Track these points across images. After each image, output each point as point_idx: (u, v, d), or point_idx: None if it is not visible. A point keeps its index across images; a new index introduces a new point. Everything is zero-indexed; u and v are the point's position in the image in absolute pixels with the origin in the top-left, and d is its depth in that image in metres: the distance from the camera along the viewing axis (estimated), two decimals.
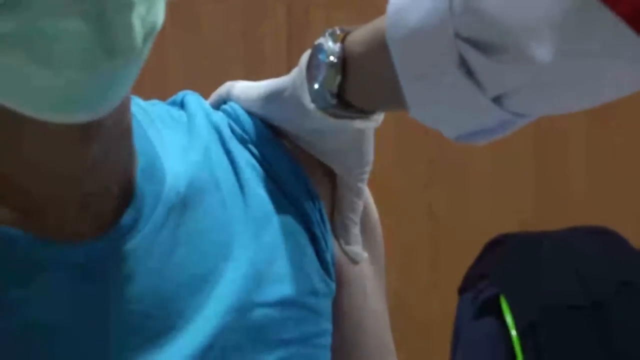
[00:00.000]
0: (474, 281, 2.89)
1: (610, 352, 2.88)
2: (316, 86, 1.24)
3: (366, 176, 1.36)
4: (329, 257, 1.29)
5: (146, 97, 1.20)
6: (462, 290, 2.92)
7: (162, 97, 1.34)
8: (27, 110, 1.05)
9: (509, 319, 2.79)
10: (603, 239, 3.02)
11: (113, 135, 1.14)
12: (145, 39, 1.02)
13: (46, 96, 1.04)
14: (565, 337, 2.83)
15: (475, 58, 1.08)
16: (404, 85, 1.14)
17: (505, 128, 1.16)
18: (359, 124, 1.29)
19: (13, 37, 1.00)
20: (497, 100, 1.09)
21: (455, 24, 1.08)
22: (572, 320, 2.83)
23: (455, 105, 1.15)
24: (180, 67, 3.24)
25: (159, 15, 1.06)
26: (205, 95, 1.34)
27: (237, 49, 3.59)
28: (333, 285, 1.29)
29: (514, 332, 2.79)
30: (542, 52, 1.05)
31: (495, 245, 2.96)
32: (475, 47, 1.08)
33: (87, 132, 1.08)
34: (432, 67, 1.13)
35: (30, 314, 1.10)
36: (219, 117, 1.32)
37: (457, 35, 1.08)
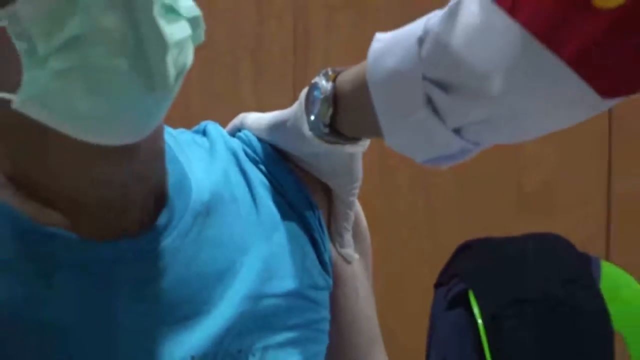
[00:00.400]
0: (447, 278, 2.92)
1: (555, 337, 2.89)
2: (312, 117, 1.28)
3: (356, 191, 1.39)
4: (326, 258, 1.33)
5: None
6: (436, 286, 2.94)
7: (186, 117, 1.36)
8: (77, 132, 1.06)
9: (476, 310, 2.80)
10: (553, 243, 3.04)
11: (148, 155, 1.18)
12: (177, 77, 1.06)
13: (94, 122, 1.06)
14: (521, 325, 2.84)
15: (438, 96, 1.11)
16: (380, 119, 1.18)
17: (464, 154, 1.18)
18: (348, 148, 1.32)
19: (73, 71, 1.02)
20: (457, 131, 1.13)
21: (422, 69, 1.11)
22: (527, 311, 2.85)
23: (422, 136, 1.17)
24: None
25: (189, 56, 1.10)
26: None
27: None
28: (330, 281, 1.33)
29: (480, 321, 2.80)
30: (494, 90, 1.06)
31: (464, 249, 2.98)
32: (439, 87, 1.10)
33: (126, 151, 1.11)
34: (404, 104, 1.15)
35: (85, 297, 1.12)
36: (235, 142, 1.36)
37: (424, 77, 1.10)
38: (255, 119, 1.39)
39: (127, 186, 1.16)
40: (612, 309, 2.96)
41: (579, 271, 2.96)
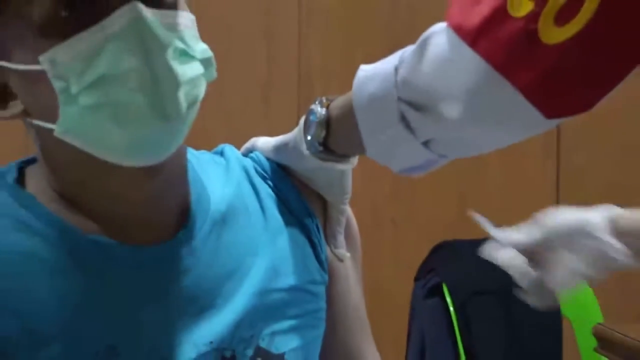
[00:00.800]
0: (424, 273, 2.92)
1: (512, 320, 2.91)
2: (308, 138, 1.29)
3: (347, 201, 1.39)
4: (323, 257, 1.34)
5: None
6: (416, 279, 2.94)
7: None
8: (107, 156, 1.10)
9: (448, 299, 2.82)
10: None
11: (173, 173, 1.18)
12: (189, 108, 1.09)
13: (119, 146, 1.10)
14: (484, 311, 2.86)
15: (410, 114, 1.12)
16: (362, 133, 1.20)
17: (432, 165, 1.20)
18: (339, 166, 1.33)
19: (99, 106, 1.06)
20: (426, 144, 1.14)
21: (398, 92, 1.12)
22: (489, 300, 2.87)
23: (397, 148, 1.18)
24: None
25: (200, 90, 1.13)
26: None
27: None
28: (326, 276, 1.34)
29: (451, 308, 2.82)
30: (456, 111, 1.07)
31: (439, 249, 2.98)
32: (411, 106, 1.12)
33: (151, 171, 1.12)
34: (382, 121, 1.16)
35: (121, 291, 1.14)
36: (247, 161, 1.36)
37: (399, 99, 1.12)
38: (264, 142, 1.39)
39: (153, 199, 1.18)
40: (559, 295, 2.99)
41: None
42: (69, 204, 1.18)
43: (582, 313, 3.02)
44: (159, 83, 1.05)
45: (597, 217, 1.33)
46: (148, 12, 1.04)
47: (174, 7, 1.11)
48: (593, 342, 2.46)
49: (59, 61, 1.06)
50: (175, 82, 1.06)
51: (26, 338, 1.09)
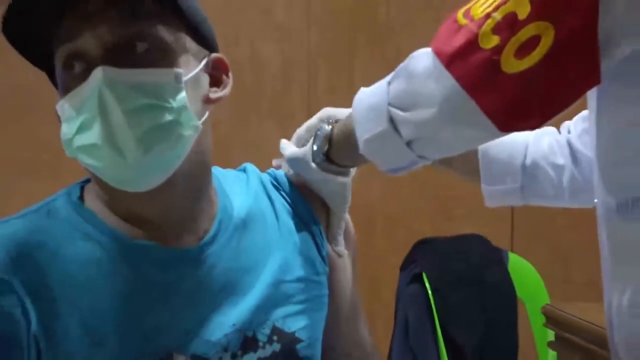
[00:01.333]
0: (408, 264, 2.89)
1: (479, 302, 2.89)
2: (315, 148, 1.29)
3: (346, 209, 1.39)
4: (324, 253, 1.35)
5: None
6: (401, 269, 2.91)
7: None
8: (109, 183, 1.14)
9: (427, 285, 2.80)
10: (478, 240, 3.03)
11: (186, 191, 1.19)
12: (144, 151, 1.09)
13: (106, 177, 1.13)
14: (456, 296, 2.83)
15: (397, 114, 1.13)
16: (358, 135, 1.19)
17: (413, 166, 1.19)
18: (340, 178, 1.34)
19: (83, 146, 1.10)
20: (408, 144, 1.13)
21: (389, 99, 1.13)
22: (460, 285, 2.85)
23: (386, 147, 1.17)
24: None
25: (174, 132, 1.12)
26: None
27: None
28: (327, 269, 1.35)
29: (430, 293, 2.81)
30: (430, 115, 1.08)
31: (420, 244, 2.94)
32: (398, 109, 1.11)
33: (159, 192, 1.14)
34: (374, 122, 1.15)
35: (161, 284, 1.16)
36: (264, 176, 1.38)
37: (389, 104, 1.13)
38: (286, 144, 1.39)
39: (165, 213, 1.19)
40: (516, 282, 2.99)
41: (494, 258, 2.97)
42: (116, 214, 1.19)
43: (533, 296, 3.02)
44: (115, 131, 1.07)
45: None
46: (111, 76, 1.07)
47: (154, 62, 1.11)
48: (542, 319, 2.45)
49: (64, 108, 1.12)
50: (127, 131, 1.07)
51: (82, 326, 1.10)
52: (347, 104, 1.28)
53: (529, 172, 1.47)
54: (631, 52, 1.03)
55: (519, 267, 3.03)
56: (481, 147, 1.46)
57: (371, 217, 3.55)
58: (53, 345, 1.08)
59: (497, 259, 3.00)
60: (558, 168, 1.46)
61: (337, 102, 1.37)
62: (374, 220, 3.56)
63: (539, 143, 1.48)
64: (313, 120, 1.38)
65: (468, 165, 1.50)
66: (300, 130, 1.39)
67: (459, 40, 1.04)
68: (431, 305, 2.82)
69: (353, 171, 1.37)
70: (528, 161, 1.47)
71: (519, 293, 3.00)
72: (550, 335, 2.30)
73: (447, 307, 2.83)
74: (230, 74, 1.25)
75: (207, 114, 1.19)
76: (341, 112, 1.35)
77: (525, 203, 1.50)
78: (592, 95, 1.17)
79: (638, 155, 1.08)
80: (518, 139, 1.48)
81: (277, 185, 1.37)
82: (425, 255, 2.92)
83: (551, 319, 2.25)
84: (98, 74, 1.06)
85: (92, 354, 1.09)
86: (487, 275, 2.95)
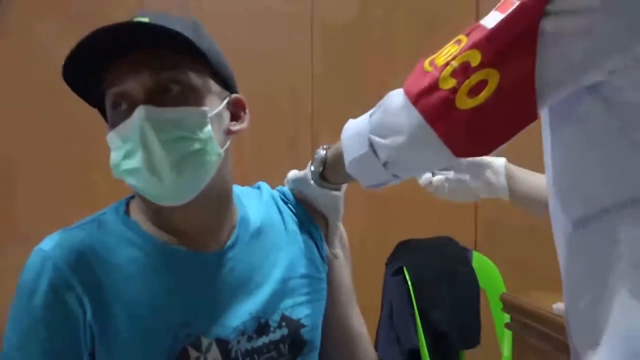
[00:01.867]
0: (392, 260, 2.87)
1: (449, 290, 2.90)
2: (312, 168, 1.30)
3: (340, 218, 1.39)
4: (324, 254, 1.34)
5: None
6: (386, 264, 2.89)
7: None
8: (149, 198, 1.15)
9: (408, 278, 2.79)
10: (448, 242, 3.03)
11: (211, 205, 1.20)
12: (183, 172, 1.10)
13: (145, 194, 1.14)
14: (430, 286, 2.83)
15: (376, 140, 1.13)
16: (345, 158, 1.20)
17: (388, 183, 1.19)
18: (334, 193, 1.34)
19: (128, 170, 1.11)
20: (385, 165, 1.13)
21: (370, 128, 1.14)
22: (436, 278, 2.85)
23: (366, 168, 1.17)
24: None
25: (202, 158, 1.13)
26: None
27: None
28: (326, 267, 1.34)
29: (410, 284, 2.80)
30: (400, 141, 1.09)
31: (402, 244, 2.93)
32: (377, 136, 1.12)
33: (181, 208, 1.14)
34: (357, 146, 1.16)
35: (190, 280, 1.17)
36: (275, 192, 1.38)
37: (370, 132, 1.14)
38: (293, 172, 1.39)
39: (203, 218, 1.19)
40: (479, 275, 2.99)
41: (462, 256, 2.96)
42: (155, 224, 1.19)
43: (492, 286, 3.01)
44: (153, 158, 1.08)
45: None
46: (151, 113, 1.08)
47: (186, 102, 1.12)
48: (500, 305, 2.46)
49: (111, 141, 1.14)
50: (166, 159, 1.08)
51: (127, 316, 1.11)
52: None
53: None
54: (565, 95, 1.04)
55: (482, 263, 3.03)
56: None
57: (358, 226, 3.45)
58: (103, 330, 1.09)
59: (464, 256, 3.01)
60: None
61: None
62: (363, 228, 3.45)
63: None
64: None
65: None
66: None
67: (424, 82, 1.04)
68: (411, 294, 2.81)
69: (344, 187, 1.36)
70: None
71: (481, 284, 3.01)
72: (507, 318, 2.30)
73: (423, 295, 2.83)
74: (247, 111, 1.25)
75: (228, 143, 1.19)
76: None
77: None
78: (544, 131, 1.17)
79: (586, 177, 1.08)
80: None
81: (285, 200, 1.36)
82: (406, 253, 2.92)
83: (507, 305, 2.26)
84: (140, 111, 1.08)
85: (135, 338, 1.10)
86: (456, 270, 2.95)
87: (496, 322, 3.02)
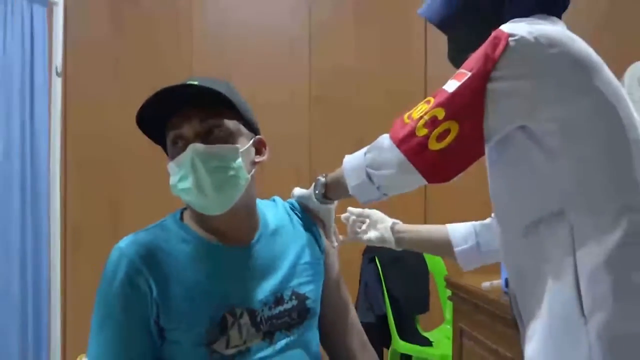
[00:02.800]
0: (367, 252, 2.86)
1: (407, 273, 2.89)
2: (316, 192, 1.28)
3: (333, 221, 1.37)
4: (322, 247, 1.30)
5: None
6: (363, 255, 2.88)
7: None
8: (197, 209, 1.14)
9: (378, 264, 2.79)
10: None
11: (242, 212, 1.17)
12: (222, 192, 1.10)
13: (194, 206, 1.13)
14: (392, 270, 2.83)
15: (371, 172, 1.12)
16: (349, 184, 1.18)
17: (380, 199, 1.17)
18: (328, 206, 1.32)
19: (183, 189, 1.11)
20: (378, 188, 1.13)
21: (365, 163, 1.13)
22: (397, 264, 2.85)
23: (365, 190, 1.15)
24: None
25: (236, 182, 1.11)
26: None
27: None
28: (323, 256, 1.30)
29: (380, 269, 2.79)
30: (389, 173, 1.09)
31: None
32: (372, 168, 1.12)
33: (221, 216, 1.12)
34: (356, 176, 1.15)
35: (223, 269, 1.14)
36: (286, 204, 1.34)
37: (366, 165, 1.13)
38: (299, 190, 1.36)
39: (230, 225, 1.16)
40: (428, 262, 2.98)
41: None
42: (199, 225, 1.17)
43: (438, 270, 3.01)
44: (201, 181, 1.08)
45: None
46: (199, 149, 1.08)
47: (224, 140, 1.11)
48: (444, 283, 2.43)
49: (171, 168, 1.13)
50: (209, 182, 1.08)
51: (182, 293, 1.09)
52: None
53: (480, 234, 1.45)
54: (501, 138, 1.07)
55: (429, 255, 3.01)
56: (449, 229, 1.47)
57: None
58: (165, 303, 1.08)
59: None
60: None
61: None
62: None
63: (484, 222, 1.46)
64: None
65: (436, 247, 1.50)
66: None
67: (405, 131, 1.06)
68: (380, 276, 2.80)
69: (336, 202, 1.34)
70: (479, 229, 1.45)
71: (430, 269, 3.00)
72: (449, 292, 2.27)
73: (389, 277, 2.83)
74: (267, 147, 1.24)
75: (253, 170, 1.18)
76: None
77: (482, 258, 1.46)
78: (487, 162, 1.18)
79: (521, 198, 1.10)
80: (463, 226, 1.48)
81: (293, 209, 1.33)
82: (376, 248, 2.87)
83: (449, 283, 2.23)
84: (191, 148, 1.08)
85: (187, 308, 1.08)
86: (411, 258, 2.94)
87: (441, 295, 3.01)
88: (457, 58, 1.20)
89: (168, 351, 1.10)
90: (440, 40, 1.28)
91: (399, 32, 3.52)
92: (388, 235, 1.47)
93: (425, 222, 3.62)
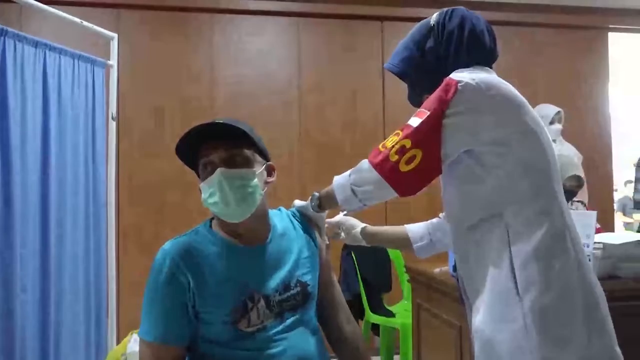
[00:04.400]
0: (345, 247, 2.82)
1: (374, 261, 2.85)
2: (312, 204, 1.22)
3: (325, 224, 1.32)
4: (317, 244, 1.24)
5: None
6: (342, 250, 2.84)
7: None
8: (222, 217, 1.08)
9: (354, 256, 2.75)
10: None
11: (257, 219, 1.12)
12: (243, 203, 1.06)
13: (219, 215, 1.08)
14: (366, 260, 2.79)
15: (355, 188, 1.08)
16: (337, 197, 1.12)
17: (362, 209, 1.12)
18: (322, 214, 1.26)
19: (211, 203, 1.07)
20: (360, 200, 1.08)
21: (350, 182, 1.08)
22: (368, 256, 2.80)
23: (350, 202, 1.10)
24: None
25: (254, 196, 1.07)
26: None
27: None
28: (318, 251, 1.24)
29: (355, 260, 2.75)
30: (369, 189, 1.05)
31: None
32: (355, 185, 1.08)
33: (242, 222, 1.08)
34: (343, 191, 1.10)
35: (243, 263, 1.09)
36: (289, 212, 1.27)
37: (351, 184, 1.08)
38: (299, 202, 1.29)
39: (248, 229, 1.11)
40: (390, 253, 2.94)
41: None
42: (224, 229, 1.12)
43: (397, 258, 2.97)
44: (226, 196, 1.05)
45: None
46: (224, 172, 1.05)
47: (244, 166, 1.07)
48: (404, 269, 2.39)
49: (202, 187, 1.09)
50: (233, 197, 1.05)
51: (212, 284, 1.05)
52: None
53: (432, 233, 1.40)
54: (453, 160, 1.05)
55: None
56: (407, 229, 1.41)
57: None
58: (200, 292, 1.04)
59: None
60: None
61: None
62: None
63: (433, 221, 1.41)
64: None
65: (397, 243, 1.44)
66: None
67: (380, 157, 1.03)
68: (355, 264, 2.75)
69: (327, 211, 1.30)
70: (432, 229, 1.40)
71: (391, 257, 2.95)
72: (408, 276, 2.23)
73: (361, 264, 2.77)
74: (275, 171, 1.19)
75: (266, 188, 1.15)
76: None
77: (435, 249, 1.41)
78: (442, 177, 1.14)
79: (469, 204, 1.07)
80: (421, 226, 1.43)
81: (294, 216, 1.28)
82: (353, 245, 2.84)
83: (408, 269, 2.20)
84: (219, 171, 1.06)
85: (217, 294, 1.05)
86: (378, 251, 2.89)
87: (400, 278, 2.97)
88: (413, 99, 1.19)
89: (202, 329, 1.06)
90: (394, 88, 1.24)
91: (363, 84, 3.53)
92: (358, 237, 1.42)
93: (386, 222, 3.66)
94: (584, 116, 3.77)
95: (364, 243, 1.43)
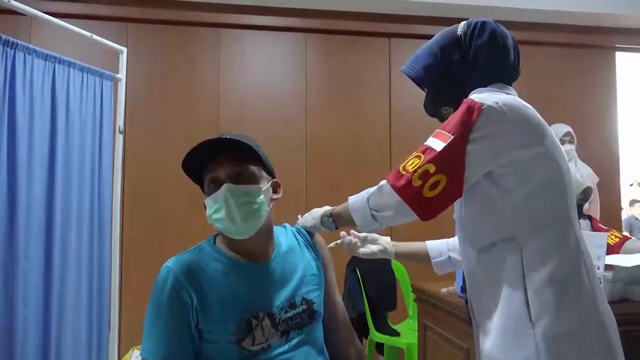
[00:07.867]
0: (350, 264, 2.80)
1: (378, 280, 2.83)
2: (326, 225, 1.19)
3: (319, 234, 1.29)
4: (320, 262, 1.23)
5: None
6: (347, 267, 2.83)
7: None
8: (229, 235, 1.07)
9: (358, 273, 2.73)
10: None
11: (263, 235, 1.10)
12: (249, 220, 1.05)
13: (228, 233, 1.07)
14: (371, 278, 2.77)
15: (375, 213, 1.06)
16: (357, 222, 1.10)
17: (379, 230, 1.11)
18: (326, 230, 1.23)
19: (215, 219, 1.05)
20: (381, 224, 1.07)
21: (369, 206, 1.06)
22: (373, 274, 2.78)
23: (370, 226, 1.08)
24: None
25: (260, 213, 1.06)
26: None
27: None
28: (322, 270, 1.22)
29: (360, 276, 2.74)
30: (390, 214, 1.03)
31: (354, 256, 2.88)
32: (375, 210, 1.06)
33: (248, 239, 1.07)
34: (363, 216, 1.08)
35: (249, 281, 1.07)
36: (293, 229, 1.26)
37: (370, 208, 1.06)
38: (302, 221, 1.28)
39: (255, 245, 1.10)
40: (395, 271, 2.92)
41: (386, 262, 2.88)
42: (228, 246, 1.11)
43: (402, 277, 2.94)
44: (232, 212, 1.03)
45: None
46: (230, 188, 1.04)
47: (250, 182, 1.06)
48: (410, 288, 2.36)
49: (207, 203, 1.07)
50: (238, 213, 1.04)
51: (216, 302, 1.03)
52: None
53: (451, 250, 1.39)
54: (474, 184, 1.03)
55: (396, 265, 2.95)
56: (428, 245, 1.41)
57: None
58: (203, 309, 1.03)
59: (387, 262, 2.90)
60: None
61: None
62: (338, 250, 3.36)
63: (452, 239, 1.41)
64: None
65: (418, 258, 1.43)
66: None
67: (403, 181, 1.01)
68: (360, 282, 2.73)
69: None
70: (450, 246, 1.40)
71: (396, 276, 2.93)
72: (414, 296, 2.20)
73: (366, 283, 2.76)
74: (281, 187, 1.19)
75: (271, 204, 1.14)
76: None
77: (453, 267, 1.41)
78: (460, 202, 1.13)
79: (483, 227, 1.06)
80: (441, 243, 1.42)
81: (299, 232, 1.27)
82: (357, 261, 2.80)
83: (414, 288, 2.16)
84: (224, 187, 1.05)
85: (221, 312, 1.03)
86: (383, 269, 2.87)
87: (405, 296, 2.94)
88: (430, 109, 1.17)
89: (206, 349, 1.04)
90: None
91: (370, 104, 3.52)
92: (390, 247, 1.40)
93: (391, 237, 3.68)
94: (591, 135, 3.76)
95: (392, 256, 1.41)
